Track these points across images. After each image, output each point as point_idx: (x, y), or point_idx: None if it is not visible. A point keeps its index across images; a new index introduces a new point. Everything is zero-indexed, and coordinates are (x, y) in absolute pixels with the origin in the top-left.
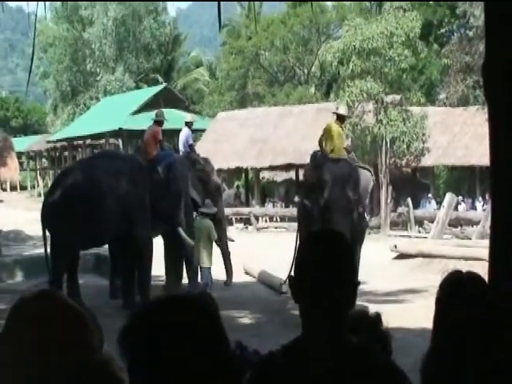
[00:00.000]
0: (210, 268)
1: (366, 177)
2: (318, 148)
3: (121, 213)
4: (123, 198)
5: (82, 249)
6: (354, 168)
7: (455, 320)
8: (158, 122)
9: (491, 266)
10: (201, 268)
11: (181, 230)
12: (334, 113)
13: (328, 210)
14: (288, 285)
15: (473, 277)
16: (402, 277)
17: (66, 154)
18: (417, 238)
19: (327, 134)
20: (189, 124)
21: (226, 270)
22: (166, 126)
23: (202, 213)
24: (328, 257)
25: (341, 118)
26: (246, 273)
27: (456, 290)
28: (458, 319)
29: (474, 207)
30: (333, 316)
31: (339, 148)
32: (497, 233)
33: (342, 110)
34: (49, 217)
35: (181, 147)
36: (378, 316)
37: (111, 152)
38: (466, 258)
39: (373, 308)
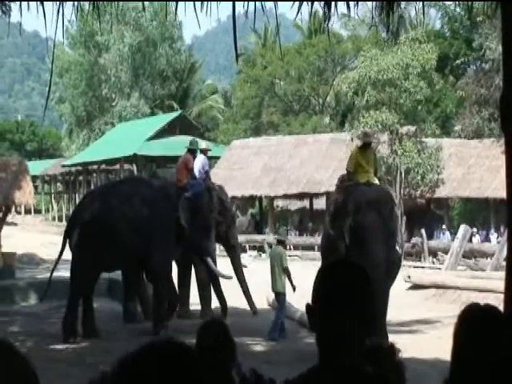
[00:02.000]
0: (284, 294)
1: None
2: (331, 178)
3: (142, 239)
4: (146, 224)
5: (101, 272)
6: (389, 194)
7: (472, 357)
8: (191, 150)
9: (507, 298)
10: (276, 294)
11: (209, 260)
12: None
13: (361, 235)
14: (305, 312)
15: (491, 311)
16: (415, 307)
17: (81, 178)
18: (430, 268)
19: (356, 159)
20: (204, 151)
21: (247, 298)
22: (180, 152)
23: (278, 240)
24: (346, 286)
25: (364, 145)
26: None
27: (474, 325)
28: (475, 356)
29: (488, 239)
30: (349, 346)
31: (371, 174)
32: None
33: (365, 137)
34: (73, 238)
35: (196, 174)
36: (392, 347)
37: (139, 178)
38: (480, 290)
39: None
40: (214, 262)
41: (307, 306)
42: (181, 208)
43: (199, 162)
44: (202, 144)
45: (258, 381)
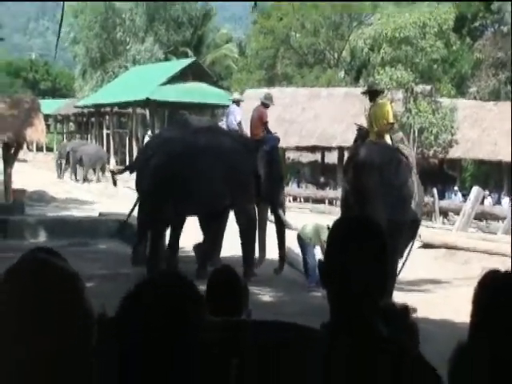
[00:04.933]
0: (310, 244)
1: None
2: (344, 133)
3: (226, 188)
4: (228, 173)
5: (183, 217)
6: (394, 153)
7: (493, 323)
8: (265, 104)
9: None
10: (302, 240)
11: (281, 212)
12: (363, 93)
13: (362, 195)
14: (317, 269)
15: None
16: (425, 267)
17: (93, 119)
18: (441, 229)
19: (369, 115)
20: (237, 101)
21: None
22: (193, 99)
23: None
24: (359, 242)
25: (371, 95)
26: None
27: (495, 291)
28: (495, 323)
29: (499, 202)
30: (363, 303)
31: (378, 131)
32: None
33: (373, 85)
34: (149, 184)
35: (229, 124)
36: (405, 308)
37: (218, 127)
38: (490, 253)
39: (395, 296)
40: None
41: (319, 262)
42: (259, 160)
43: (232, 113)
44: (235, 94)
45: None
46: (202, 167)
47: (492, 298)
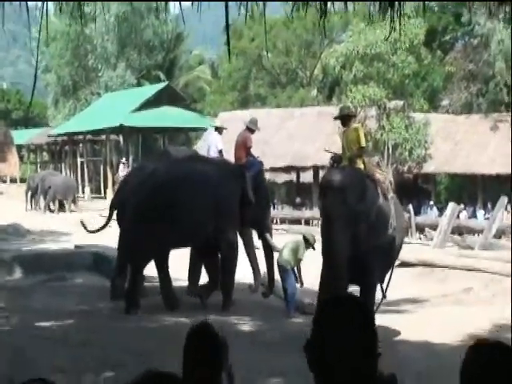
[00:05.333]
0: (289, 270)
1: (372, 190)
2: (318, 152)
3: (209, 218)
4: (212, 202)
5: (166, 250)
6: (360, 177)
7: None
8: (250, 128)
9: None
10: (281, 267)
11: (268, 236)
12: (335, 118)
13: (327, 220)
14: (304, 350)
15: (499, 349)
16: (403, 285)
17: (67, 148)
18: (418, 244)
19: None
20: (219, 129)
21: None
22: (167, 123)
23: (304, 237)
24: (347, 329)
25: (342, 120)
26: None
27: (482, 364)
28: None
29: (475, 215)
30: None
31: (350, 156)
32: None
33: (345, 110)
34: (131, 217)
35: (210, 152)
36: (393, 377)
37: (200, 156)
38: (468, 269)
39: (376, 319)
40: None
41: (307, 341)
42: (247, 186)
43: (213, 140)
44: (217, 122)
45: None
46: (184, 198)
47: (477, 371)
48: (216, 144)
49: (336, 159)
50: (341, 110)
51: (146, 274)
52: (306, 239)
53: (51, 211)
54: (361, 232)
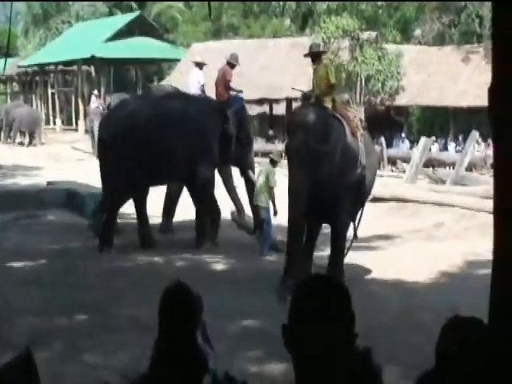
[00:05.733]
0: (266, 208)
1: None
2: (291, 84)
3: (186, 154)
4: (189, 140)
5: (145, 187)
6: (324, 117)
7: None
8: (230, 63)
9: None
10: (257, 207)
11: (250, 172)
12: (305, 55)
13: (289, 161)
14: (281, 333)
15: (474, 326)
16: (375, 221)
17: (38, 78)
18: (389, 177)
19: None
20: (200, 65)
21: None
22: (139, 54)
23: (270, 159)
24: (322, 312)
25: (313, 57)
26: None
27: (457, 341)
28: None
29: (446, 148)
30: (329, 367)
31: (319, 93)
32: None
33: (315, 47)
34: (110, 155)
35: (192, 89)
36: (368, 351)
37: (181, 93)
38: (440, 204)
39: (349, 256)
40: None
41: (283, 326)
42: (229, 122)
43: (194, 76)
44: (197, 57)
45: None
46: (162, 135)
47: (452, 347)
48: (198, 79)
49: (306, 97)
50: (311, 48)
51: (120, 212)
52: (271, 160)
53: (21, 144)
54: (326, 172)
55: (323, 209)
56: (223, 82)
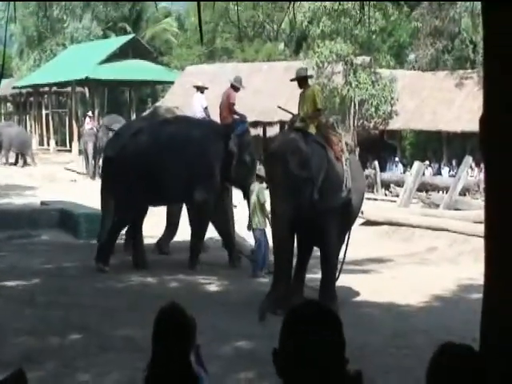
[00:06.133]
0: (261, 229)
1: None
2: (285, 107)
3: (188, 177)
4: (191, 164)
5: (145, 208)
6: (304, 142)
7: None
8: (234, 86)
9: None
10: (253, 230)
11: None
12: (292, 80)
13: (270, 187)
14: (272, 358)
15: (465, 354)
16: (368, 244)
17: (32, 99)
18: (383, 201)
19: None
20: (201, 88)
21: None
22: (133, 76)
23: (256, 175)
24: (313, 339)
25: (299, 82)
26: None
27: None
28: None
29: (439, 173)
30: None
31: (303, 117)
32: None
33: (301, 71)
34: (118, 173)
35: (196, 113)
36: (359, 375)
37: (187, 117)
38: (433, 228)
39: (340, 278)
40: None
41: (274, 350)
42: (233, 145)
43: (197, 100)
44: (199, 82)
45: None
46: (164, 157)
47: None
48: (200, 103)
49: (293, 120)
50: (297, 72)
51: None
52: (257, 176)
53: (14, 165)
54: (308, 197)
55: (310, 233)
56: (227, 106)
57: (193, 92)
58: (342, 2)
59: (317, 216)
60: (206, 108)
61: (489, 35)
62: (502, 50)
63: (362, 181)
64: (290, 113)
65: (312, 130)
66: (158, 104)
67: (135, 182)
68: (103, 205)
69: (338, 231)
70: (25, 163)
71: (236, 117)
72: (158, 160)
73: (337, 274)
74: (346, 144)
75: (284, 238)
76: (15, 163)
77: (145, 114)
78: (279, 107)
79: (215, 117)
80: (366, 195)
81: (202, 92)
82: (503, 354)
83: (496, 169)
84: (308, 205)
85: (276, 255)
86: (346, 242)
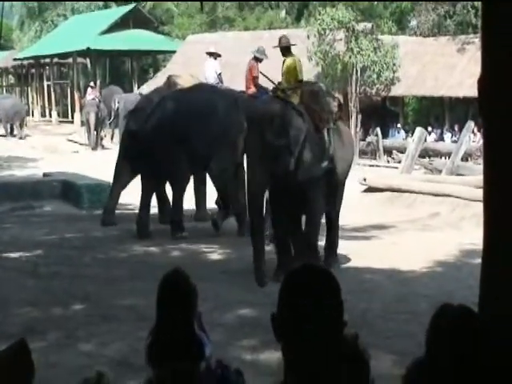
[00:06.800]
0: None
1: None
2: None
3: (211, 145)
4: (215, 130)
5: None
6: (283, 111)
7: (443, 360)
8: (257, 58)
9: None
10: None
11: None
12: (274, 47)
13: (246, 154)
14: (270, 322)
15: (464, 316)
16: (370, 211)
17: (33, 71)
18: (385, 167)
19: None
20: (214, 55)
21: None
22: (135, 46)
23: None
24: (311, 300)
25: (282, 50)
26: None
27: (446, 330)
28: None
29: (442, 138)
30: (318, 356)
31: (285, 87)
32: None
33: (284, 40)
34: (155, 145)
35: (210, 79)
36: (355, 336)
37: (210, 86)
38: (435, 194)
39: (342, 244)
40: None
41: (272, 315)
42: None
43: (211, 66)
44: (211, 48)
45: (223, 373)
46: (200, 127)
47: (441, 336)
48: (214, 69)
49: (275, 89)
50: (279, 41)
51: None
52: None
53: (12, 135)
54: (285, 166)
55: (294, 203)
56: (251, 79)
57: (194, 62)
58: None
59: (297, 186)
60: (219, 74)
61: None
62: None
63: (349, 149)
64: (272, 82)
65: (295, 99)
66: (158, 74)
67: (176, 150)
68: (116, 176)
69: (321, 200)
70: (11, 133)
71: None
72: (191, 128)
73: (337, 240)
74: (331, 112)
75: (258, 202)
76: (12, 134)
77: (159, 85)
78: (262, 74)
79: (228, 83)
80: (369, 162)
81: (215, 58)
82: (500, 320)
83: (494, 131)
84: (286, 174)
85: (250, 218)
86: (336, 211)
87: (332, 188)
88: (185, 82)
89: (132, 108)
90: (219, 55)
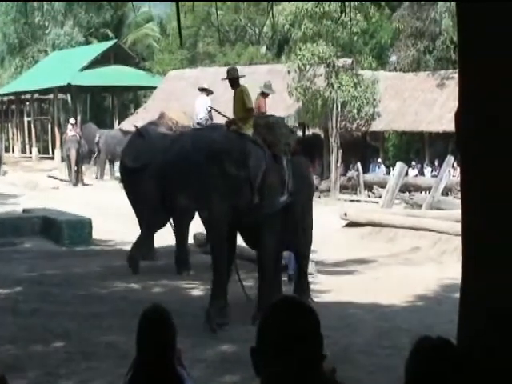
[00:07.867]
0: None
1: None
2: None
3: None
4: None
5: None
6: (241, 143)
7: None
8: (264, 93)
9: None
10: None
11: None
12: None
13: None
14: (250, 355)
15: (442, 348)
16: (351, 246)
17: (14, 107)
18: (366, 202)
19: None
20: (207, 91)
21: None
22: (115, 82)
23: None
24: (291, 334)
25: (231, 82)
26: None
27: (424, 363)
28: None
29: (422, 173)
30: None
31: (237, 119)
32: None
33: (232, 72)
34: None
35: (199, 115)
36: (333, 370)
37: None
38: (416, 228)
39: (323, 279)
40: None
41: (251, 348)
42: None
43: (203, 102)
44: (204, 84)
45: None
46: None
47: (420, 369)
48: (206, 105)
49: (228, 123)
50: (227, 73)
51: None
52: None
53: None
54: (246, 198)
55: (250, 235)
56: (258, 113)
57: (174, 97)
58: (323, 4)
59: (255, 219)
60: (210, 111)
61: (462, 29)
62: (476, 42)
63: (308, 182)
64: (223, 116)
65: (248, 130)
66: (140, 109)
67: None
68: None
69: (277, 236)
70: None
71: None
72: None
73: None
74: (288, 144)
75: (222, 239)
76: None
77: (147, 121)
78: (212, 108)
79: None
80: (350, 197)
81: (207, 95)
82: (479, 353)
83: (470, 163)
84: (247, 206)
85: (215, 259)
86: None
87: (293, 223)
88: (178, 117)
89: (126, 144)
90: (211, 92)
